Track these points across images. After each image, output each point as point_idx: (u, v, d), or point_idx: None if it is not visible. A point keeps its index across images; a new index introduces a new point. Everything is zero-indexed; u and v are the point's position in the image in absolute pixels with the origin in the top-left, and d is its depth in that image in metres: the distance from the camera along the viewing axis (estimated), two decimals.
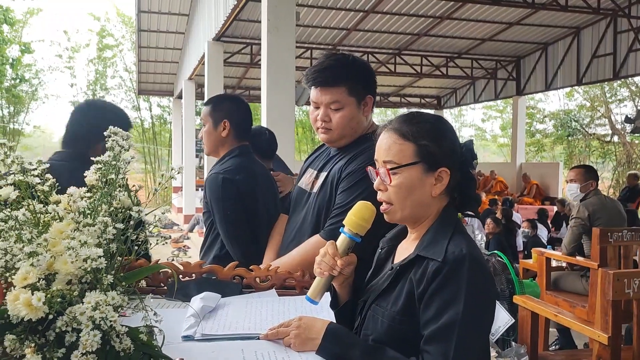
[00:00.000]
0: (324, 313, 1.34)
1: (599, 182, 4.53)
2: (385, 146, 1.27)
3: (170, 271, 1.51)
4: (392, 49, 13.64)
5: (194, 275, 1.54)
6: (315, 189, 1.89)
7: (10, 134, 20.24)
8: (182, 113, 14.73)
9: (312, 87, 1.83)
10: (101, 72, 24.48)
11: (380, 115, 23.51)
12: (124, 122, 2.21)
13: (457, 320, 1.10)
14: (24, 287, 0.78)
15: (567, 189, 4.47)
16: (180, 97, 15.10)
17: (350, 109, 1.79)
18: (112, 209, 0.98)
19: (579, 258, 4.18)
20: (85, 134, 2.06)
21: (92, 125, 2.04)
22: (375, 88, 1.88)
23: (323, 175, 1.88)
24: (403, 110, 19.46)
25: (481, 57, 14.38)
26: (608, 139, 21.41)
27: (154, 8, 11.87)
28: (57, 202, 0.89)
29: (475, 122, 38.17)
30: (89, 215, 0.93)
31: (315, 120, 1.84)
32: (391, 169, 1.24)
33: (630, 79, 16.93)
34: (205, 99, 10.43)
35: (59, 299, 0.79)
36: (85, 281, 0.85)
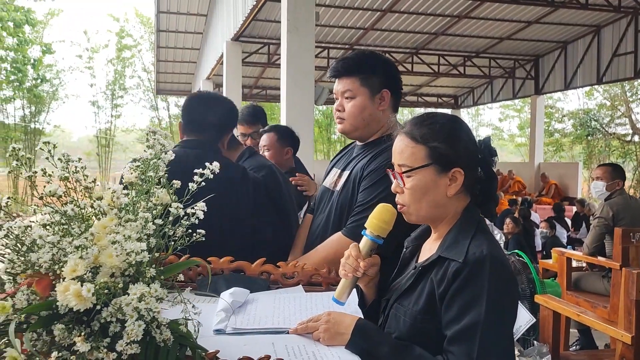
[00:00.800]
0: (350, 309, 1.36)
1: None
2: (399, 150, 1.30)
3: (199, 267, 1.55)
4: (409, 48, 13.62)
5: (223, 271, 1.57)
6: (338, 188, 1.92)
7: (31, 133, 20.57)
8: None
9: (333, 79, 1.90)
10: (120, 72, 24.79)
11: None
12: (237, 116, 2.18)
13: (479, 321, 1.11)
14: (73, 279, 0.82)
15: (593, 186, 4.42)
16: None
17: (362, 99, 1.83)
18: (150, 205, 1.01)
19: (600, 258, 4.14)
20: (217, 124, 2.01)
21: (221, 116, 2.02)
22: (396, 85, 1.89)
23: (346, 174, 1.91)
24: (420, 110, 19.37)
25: (499, 56, 14.28)
26: (628, 138, 21.08)
27: (173, 8, 12.01)
28: (100, 198, 0.92)
29: (493, 121, 38.05)
30: (129, 211, 0.97)
31: (335, 112, 1.90)
32: (404, 172, 1.27)
33: None
34: None
35: (105, 291, 0.83)
36: (127, 274, 0.89)
